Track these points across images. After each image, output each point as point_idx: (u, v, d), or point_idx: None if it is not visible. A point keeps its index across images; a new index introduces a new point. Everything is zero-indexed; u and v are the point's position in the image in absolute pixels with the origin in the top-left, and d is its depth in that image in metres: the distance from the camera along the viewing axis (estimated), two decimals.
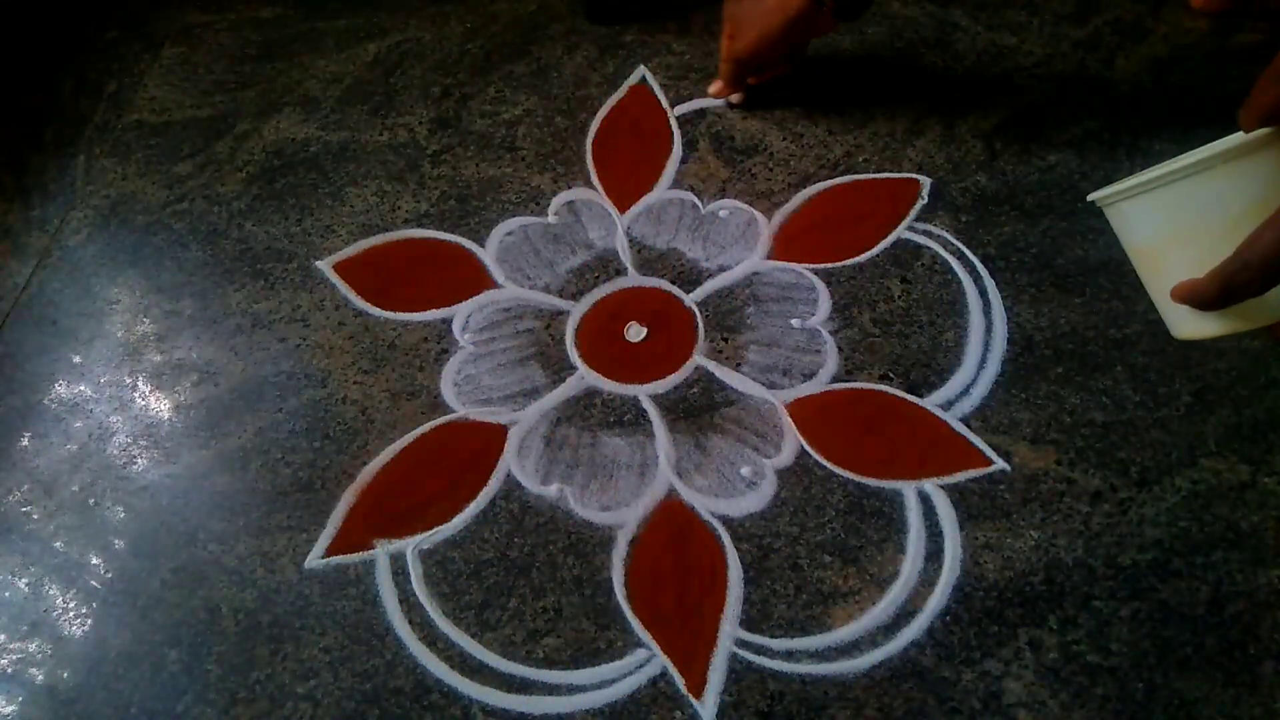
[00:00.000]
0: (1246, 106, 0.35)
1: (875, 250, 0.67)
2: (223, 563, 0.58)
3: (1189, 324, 0.39)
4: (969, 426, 0.58)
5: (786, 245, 0.69)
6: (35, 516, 0.62)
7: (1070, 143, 0.71)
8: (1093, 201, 0.42)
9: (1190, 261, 0.37)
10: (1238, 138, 0.36)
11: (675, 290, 0.68)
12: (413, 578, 0.56)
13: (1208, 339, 0.39)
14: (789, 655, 0.51)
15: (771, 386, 0.62)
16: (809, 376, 0.62)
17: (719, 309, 0.66)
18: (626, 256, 0.70)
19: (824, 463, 0.58)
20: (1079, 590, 0.52)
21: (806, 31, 0.71)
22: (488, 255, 0.71)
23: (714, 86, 0.78)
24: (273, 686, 0.53)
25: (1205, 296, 0.36)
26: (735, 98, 0.77)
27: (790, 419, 0.60)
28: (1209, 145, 0.36)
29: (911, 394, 0.60)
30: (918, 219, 0.69)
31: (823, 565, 0.54)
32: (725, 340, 0.65)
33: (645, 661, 0.52)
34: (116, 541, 0.60)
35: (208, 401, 0.66)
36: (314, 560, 0.58)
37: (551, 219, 0.73)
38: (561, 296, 0.69)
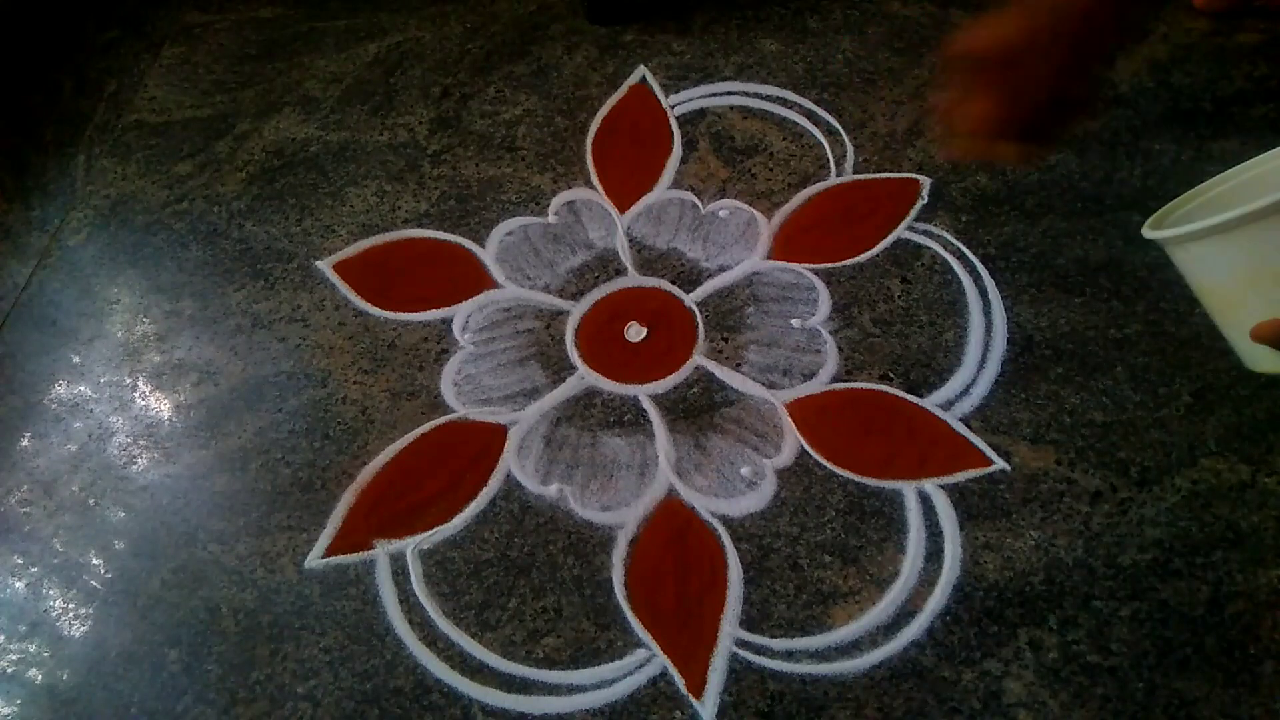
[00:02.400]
0: None
1: (875, 250, 0.67)
2: (223, 563, 0.58)
3: (1268, 361, 0.39)
4: (969, 426, 0.58)
5: (786, 245, 0.69)
6: (35, 516, 0.62)
7: (1070, 143, 0.71)
8: (1153, 240, 0.41)
9: (1271, 302, 0.37)
10: None
11: (675, 290, 0.68)
12: (413, 578, 0.56)
13: None
14: (789, 655, 0.51)
15: (771, 386, 0.62)
16: (809, 376, 0.62)
17: (719, 309, 0.66)
18: (626, 256, 0.70)
19: (824, 463, 0.58)
20: (1079, 590, 0.52)
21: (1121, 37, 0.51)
22: (488, 255, 0.71)
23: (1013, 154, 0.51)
24: (273, 686, 0.53)
25: None
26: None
27: (790, 419, 0.60)
28: None
29: (911, 394, 0.60)
30: (918, 219, 0.69)
31: (823, 565, 0.54)
32: (725, 340, 0.65)
33: (645, 661, 0.52)
34: (116, 541, 0.60)
35: (208, 401, 0.66)
36: (314, 560, 0.58)
37: (551, 219, 0.73)
38: (561, 296, 0.68)
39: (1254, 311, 0.38)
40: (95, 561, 0.60)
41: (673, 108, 0.79)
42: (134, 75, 0.91)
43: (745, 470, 0.58)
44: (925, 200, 0.69)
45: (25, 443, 0.66)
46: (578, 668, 0.52)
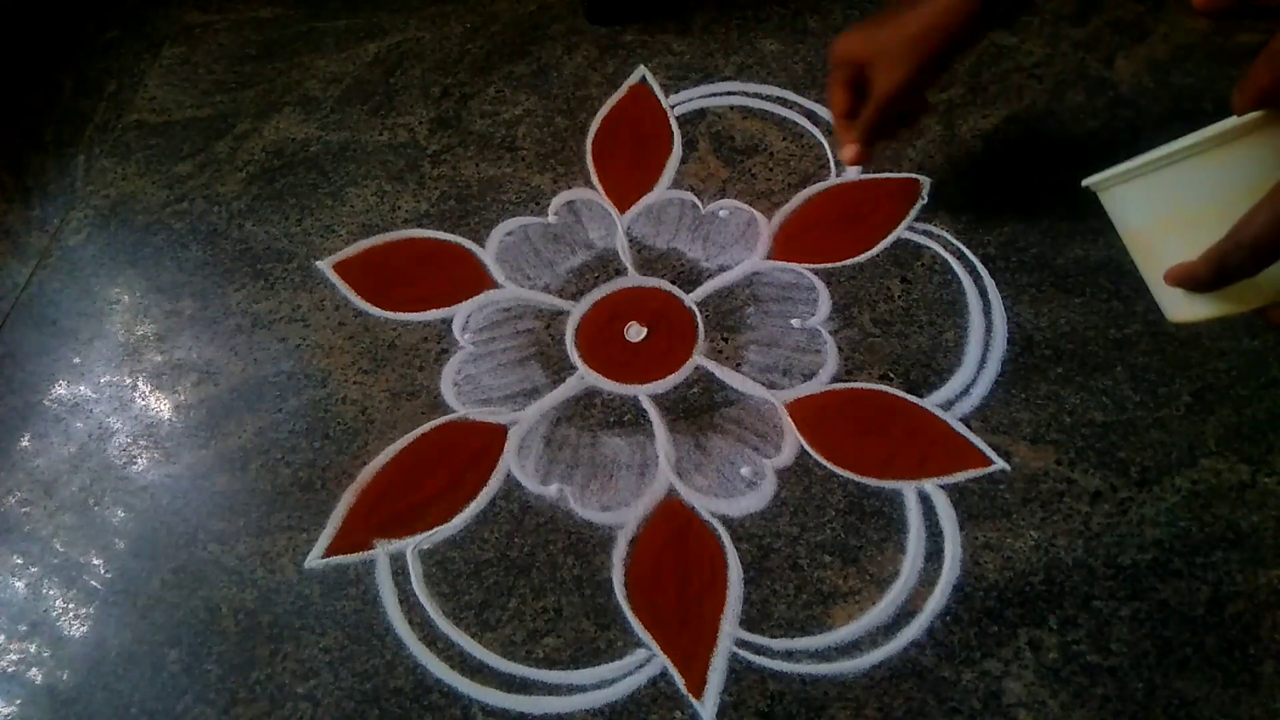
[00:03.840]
0: (1240, 89, 0.35)
1: (875, 250, 0.67)
2: (223, 563, 0.58)
3: (1183, 307, 0.39)
4: (969, 426, 0.58)
5: (786, 245, 0.69)
6: (35, 516, 0.62)
7: (1070, 143, 0.71)
8: (1087, 186, 0.42)
9: (1185, 245, 0.37)
10: (1231, 121, 0.36)
11: (675, 290, 0.68)
12: (413, 578, 0.56)
13: (1202, 321, 0.39)
14: (789, 655, 0.51)
15: (771, 386, 0.62)
16: (809, 376, 0.62)
17: (719, 309, 0.66)
18: (626, 256, 0.70)
19: (824, 463, 0.58)
20: (1079, 590, 0.52)
21: (963, 50, 0.57)
22: (488, 255, 0.72)
23: (849, 153, 0.60)
24: (273, 686, 0.53)
25: (1199, 278, 0.37)
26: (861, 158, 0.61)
27: (790, 419, 0.60)
28: (1203, 130, 0.36)
29: (911, 394, 0.60)
30: (918, 219, 0.69)
31: (823, 565, 0.54)
32: (725, 340, 0.65)
33: (645, 661, 0.52)
34: (116, 541, 0.61)
35: (208, 401, 0.66)
36: (314, 560, 0.58)
37: (551, 219, 0.73)
38: (561, 296, 0.69)
39: (1171, 256, 0.39)
40: (95, 561, 0.60)
41: (673, 108, 0.79)
42: (134, 75, 0.91)
43: (745, 470, 0.58)
44: (925, 200, 0.69)
45: (25, 443, 0.66)
46: (578, 668, 0.52)
